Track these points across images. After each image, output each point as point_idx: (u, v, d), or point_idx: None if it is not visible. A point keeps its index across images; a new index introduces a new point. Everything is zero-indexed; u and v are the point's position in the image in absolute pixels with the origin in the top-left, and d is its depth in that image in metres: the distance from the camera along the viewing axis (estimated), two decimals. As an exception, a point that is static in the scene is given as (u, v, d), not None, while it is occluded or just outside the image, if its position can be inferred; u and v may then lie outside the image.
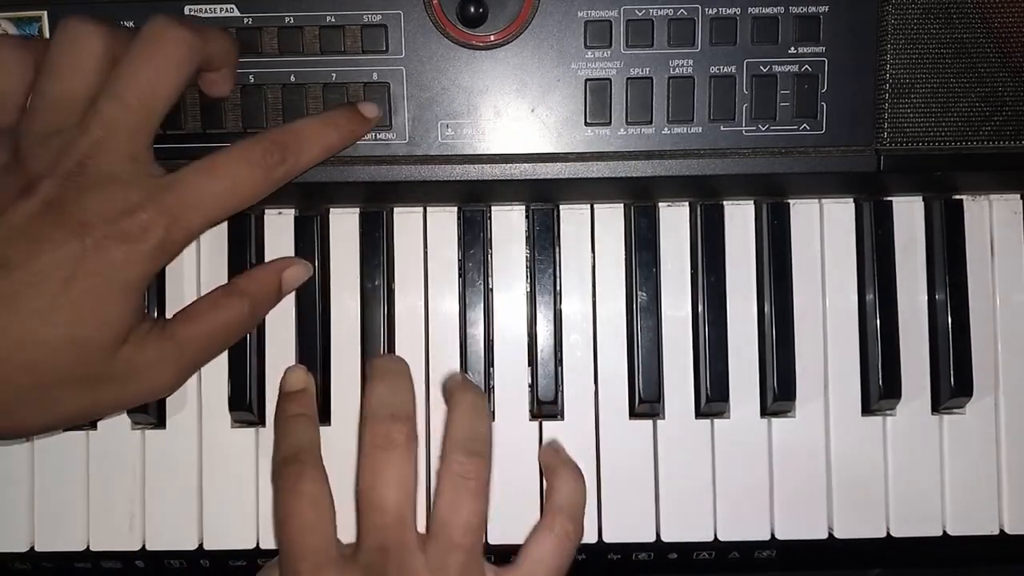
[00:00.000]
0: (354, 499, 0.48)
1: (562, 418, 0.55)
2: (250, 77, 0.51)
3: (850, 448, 0.55)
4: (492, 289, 0.56)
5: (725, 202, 0.56)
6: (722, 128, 0.51)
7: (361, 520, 0.47)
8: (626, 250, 0.56)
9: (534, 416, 0.55)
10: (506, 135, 0.52)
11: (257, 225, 0.56)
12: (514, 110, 0.52)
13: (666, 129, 0.51)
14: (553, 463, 0.52)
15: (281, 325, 0.55)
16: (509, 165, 0.52)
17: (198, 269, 0.56)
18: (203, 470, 0.55)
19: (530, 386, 0.55)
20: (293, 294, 0.55)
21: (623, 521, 0.55)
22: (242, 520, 0.55)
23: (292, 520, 0.46)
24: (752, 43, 0.51)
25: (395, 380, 0.50)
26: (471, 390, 0.51)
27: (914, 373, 0.55)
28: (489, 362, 0.55)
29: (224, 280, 0.55)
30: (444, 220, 0.56)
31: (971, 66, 0.50)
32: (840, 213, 0.56)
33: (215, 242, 0.56)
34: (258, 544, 0.55)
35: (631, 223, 0.55)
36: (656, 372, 0.54)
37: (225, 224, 0.55)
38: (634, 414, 0.55)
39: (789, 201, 0.56)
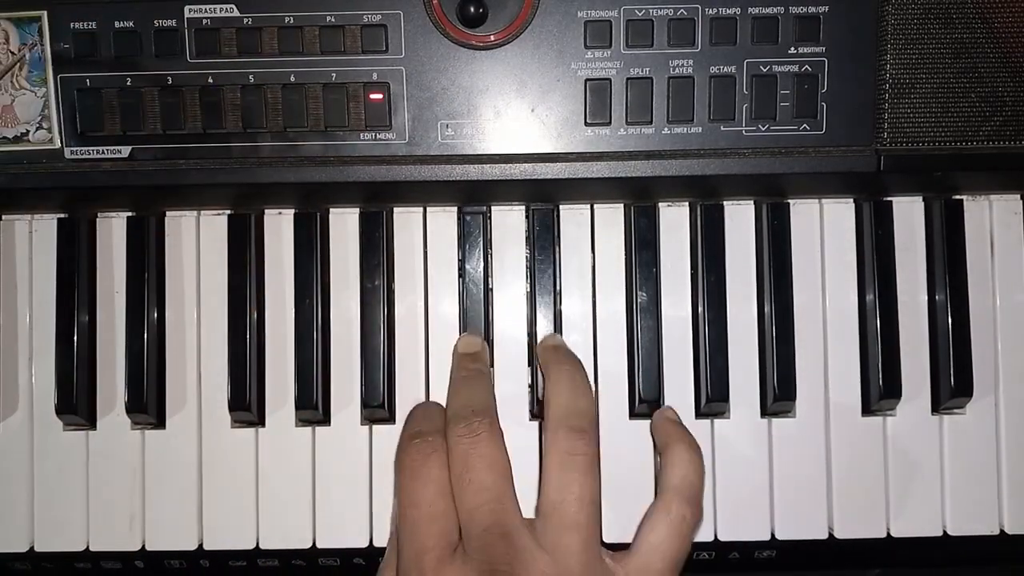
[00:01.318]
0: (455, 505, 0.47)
1: (562, 418, 0.55)
2: (250, 77, 0.51)
3: (851, 448, 0.55)
4: (492, 289, 0.56)
5: (725, 202, 0.56)
6: (722, 128, 0.51)
7: (461, 509, 0.46)
8: (626, 250, 0.56)
9: (534, 416, 0.55)
10: (506, 135, 0.52)
11: (257, 225, 0.56)
12: (514, 110, 0.51)
13: (666, 129, 0.51)
14: (667, 435, 0.50)
15: (281, 325, 0.55)
16: (509, 165, 0.52)
17: (198, 269, 0.56)
18: (203, 470, 0.55)
19: (530, 386, 0.55)
20: (292, 294, 0.55)
21: (623, 521, 0.54)
22: (242, 520, 0.55)
23: (419, 510, 0.45)
24: (752, 43, 0.51)
25: (472, 381, 0.51)
26: (567, 360, 0.51)
27: (914, 373, 0.55)
28: (489, 362, 0.55)
29: (224, 279, 0.55)
30: (444, 220, 0.56)
31: (971, 66, 0.50)
32: (840, 213, 0.56)
33: (215, 242, 0.56)
34: (258, 544, 0.55)
35: (631, 223, 0.55)
36: (656, 372, 0.54)
37: (225, 224, 0.56)
38: (634, 414, 0.55)
39: (789, 201, 0.56)
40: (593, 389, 0.55)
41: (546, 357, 0.52)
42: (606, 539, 0.54)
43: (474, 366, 0.52)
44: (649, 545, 0.47)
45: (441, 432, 0.48)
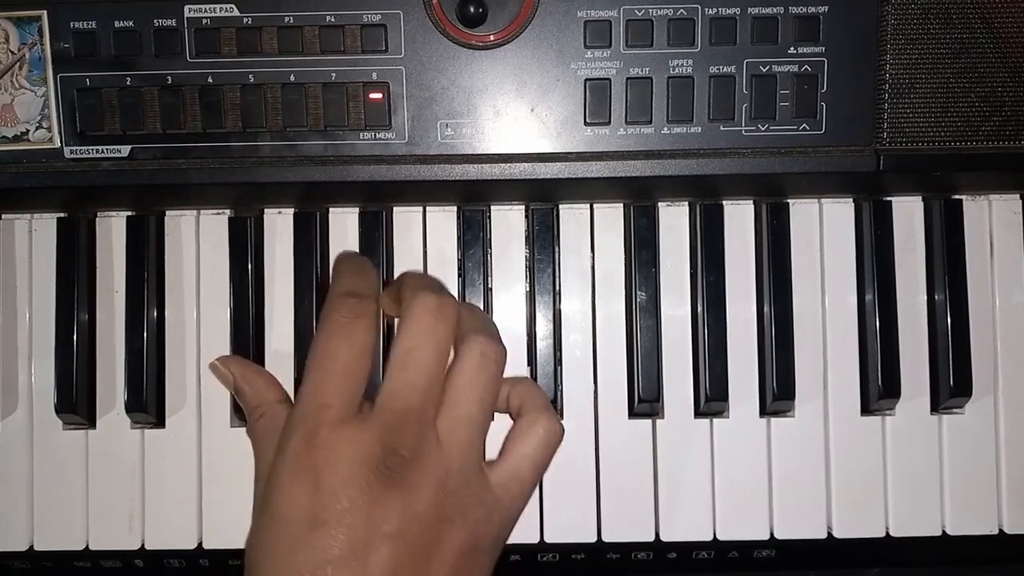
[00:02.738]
0: (385, 360, 0.47)
1: (561, 417, 0.55)
2: (250, 77, 0.51)
3: (850, 448, 0.55)
4: (492, 289, 0.56)
5: (725, 202, 0.56)
6: (722, 128, 0.51)
7: (393, 376, 0.46)
8: (626, 250, 0.56)
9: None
10: (506, 135, 0.52)
11: (256, 225, 0.56)
12: (514, 110, 0.51)
13: (666, 129, 0.51)
14: (513, 382, 0.51)
15: (280, 325, 0.55)
16: (509, 165, 0.52)
17: (198, 268, 0.56)
18: (203, 470, 0.55)
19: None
20: (291, 294, 0.55)
21: (622, 521, 0.55)
22: (241, 519, 0.55)
23: (331, 362, 0.45)
24: (752, 43, 0.51)
25: (420, 277, 0.52)
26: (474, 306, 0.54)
27: (914, 373, 0.55)
28: None
29: (223, 279, 0.55)
30: (444, 220, 0.56)
31: (971, 66, 0.50)
32: (840, 213, 0.56)
33: (215, 241, 0.56)
34: (258, 543, 0.55)
35: (631, 223, 0.55)
36: (655, 372, 0.54)
37: (225, 223, 0.56)
38: (633, 414, 0.55)
39: (789, 201, 0.56)
40: (592, 391, 0.55)
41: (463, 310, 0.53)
42: (608, 539, 0.54)
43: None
44: (520, 453, 0.47)
45: (373, 296, 0.48)
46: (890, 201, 0.56)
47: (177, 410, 0.55)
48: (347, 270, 0.50)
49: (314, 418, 0.44)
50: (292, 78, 0.51)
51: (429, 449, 0.44)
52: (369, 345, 0.46)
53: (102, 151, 0.52)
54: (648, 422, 0.55)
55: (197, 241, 0.56)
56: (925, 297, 0.56)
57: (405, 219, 0.56)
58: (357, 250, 0.55)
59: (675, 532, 0.55)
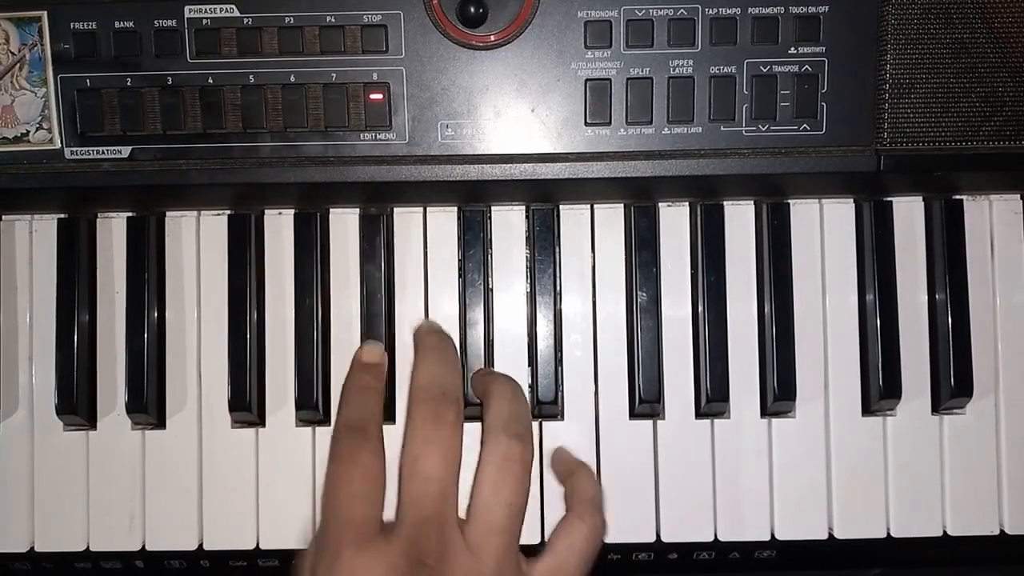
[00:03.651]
0: (398, 472, 0.47)
1: (562, 418, 0.55)
2: (250, 77, 0.51)
3: (850, 448, 0.55)
4: (492, 289, 0.56)
5: (725, 202, 0.56)
6: (722, 128, 0.51)
7: (404, 491, 0.46)
8: (626, 250, 0.56)
9: (534, 416, 0.55)
10: (506, 135, 0.52)
11: (257, 225, 0.56)
12: (514, 110, 0.51)
13: (666, 129, 0.51)
14: (568, 465, 0.53)
15: (280, 325, 0.55)
16: (509, 165, 0.52)
17: (198, 269, 0.56)
18: (203, 470, 0.55)
19: (530, 386, 0.55)
20: (292, 294, 0.55)
21: (623, 521, 0.54)
22: (242, 520, 0.55)
23: (345, 488, 0.45)
24: (752, 43, 0.51)
25: (445, 358, 0.50)
26: (511, 380, 0.52)
27: (914, 373, 0.55)
28: (489, 362, 0.55)
29: (224, 279, 0.55)
30: (444, 220, 0.56)
31: (971, 66, 0.50)
32: (840, 213, 0.56)
33: (215, 242, 0.56)
34: (258, 544, 0.55)
35: (631, 223, 0.55)
36: (656, 372, 0.54)
37: (225, 224, 0.56)
38: (634, 414, 0.55)
39: (789, 201, 0.56)
40: (593, 391, 0.55)
41: (484, 379, 0.53)
42: (609, 539, 0.54)
43: (444, 342, 0.51)
44: (566, 547, 0.48)
45: (376, 420, 0.48)
46: (891, 201, 0.56)
47: (178, 411, 0.55)
48: (348, 397, 0.50)
49: (336, 542, 0.44)
50: (292, 78, 0.51)
51: (456, 554, 0.44)
52: (377, 466, 0.46)
53: (102, 152, 0.52)
54: (649, 423, 0.55)
55: (197, 242, 0.56)
56: (926, 297, 0.56)
57: (405, 220, 0.56)
58: (357, 250, 0.55)
59: (676, 533, 0.55)
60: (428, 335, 0.52)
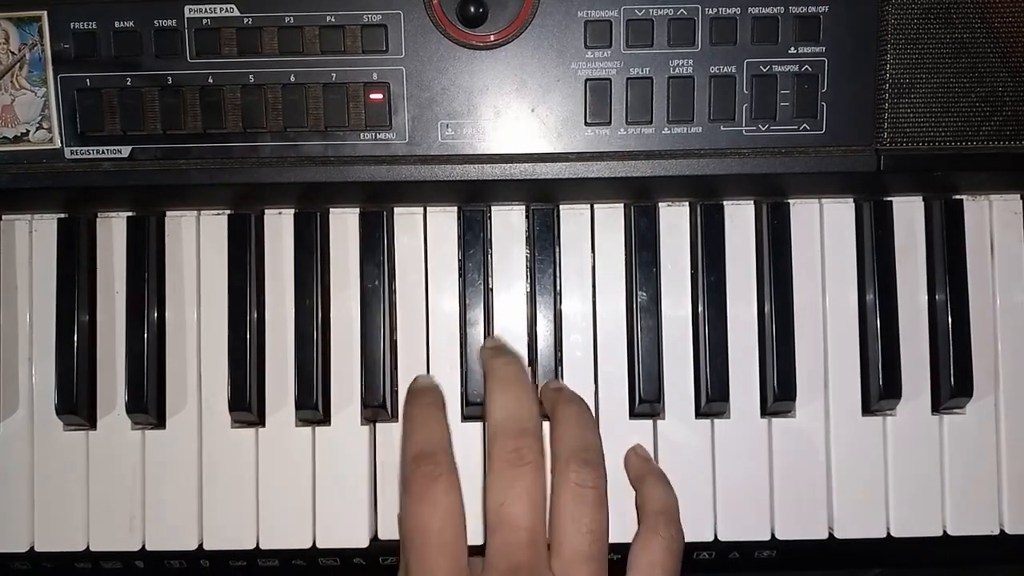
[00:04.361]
0: (482, 516, 0.46)
1: (562, 418, 0.55)
2: (250, 77, 0.51)
3: (850, 448, 0.55)
4: (492, 289, 0.56)
5: (725, 202, 0.56)
6: (722, 128, 0.51)
7: (492, 538, 0.44)
8: (626, 250, 0.56)
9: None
10: (506, 135, 0.52)
11: (257, 225, 0.56)
12: (514, 110, 0.52)
13: (666, 129, 0.51)
14: (642, 471, 0.52)
15: (280, 325, 0.55)
16: (509, 165, 0.52)
17: (198, 269, 0.56)
18: (203, 470, 0.55)
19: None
20: (291, 294, 0.55)
21: (622, 521, 0.54)
22: (242, 520, 0.55)
23: (427, 536, 0.44)
24: (752, 43, 0.51)
25: (521, 390, 0.48)
26: (574, 398, 0.50)
27: (914, 373, 0.55)
28: None
29: (224, 279, 0.55)
30: (444, 220, 0.56)
31: (971, 66, 0.50)
32: (840, 213, 0.56)
33: (215, 242, 0.56)
34: (258, 544, 0.55)
35: (631, 223, 0.55)
36: (656, 372, 0.54)
37: (225, 224, 0.56)
38: (634, 414, 0.55)
39: (789, 201, 0.56)
40: (593, 391, 0.55)
41: (551, 397, 0.51)
42: (609, 540, 0.54)
43: (513, 370, 0.49)
44: (648, 564, 0.47)
45: (446, 447, 0.46)
46: (891, 201, 0.56)
47: (178, 411, 0.55)
48: (413, 424, 0.48)
49: None
50: (292, 78, 0.51)
51: None
52: (455, 504, 0.44)
53: (102, 152, 0.52)
54: (649, 422, 0.55)
55: (197, 242, 0.56)
56: (926, 297, 0.56)
57: (406, 220, 0.56)
58: (357, 250, 0.55)
59: (676, 532, 0.55)
60: (496, 360, 0.50)
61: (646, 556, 0.47)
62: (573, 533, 0.45)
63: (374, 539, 0.55)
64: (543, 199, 0.55)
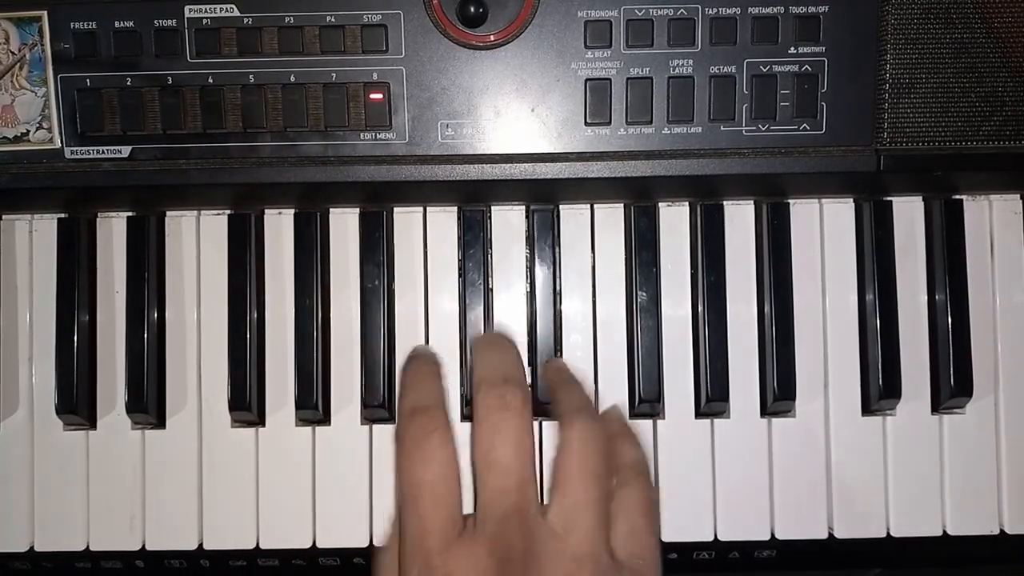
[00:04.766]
0: (471, 466, 0.45)
1: (562, 418, 0.55)
2: (250, 77, 0.51)
3: (850, 448, 0.55)
4: (492, 289, 0.56)
5: (725, 202, 0.56)
6: (722, 128, 0.51)
7: (481, 486, 0.44)
8: (626, 250, 0.56)
9: (534, 416, 0.55)
10: (506, 135, 0.52)
11: (257, 225, 0.56)
12: (514, 110, 0.52)
13: (666, 129, 0.51)
14: (613, 428, 0.50)
15: (280, 325, 0.55)
16: (509, 165, 0.52)
17: (198, 269, 0.56)
18: (203, 470, 0.55)
19: (530, 386, 0.55)
20: (291, 294, 0.55)
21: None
22: (242, 520, 0.55)
23: (420, 490, 0.43)
24: (752, 43, 0.51)
25: (504, 348, 0.48)
26: (487, 334, 0.51)
27: (914, 373, 0.55)
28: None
29: (224, 279, 0.55)
30: (444, 220, 0.56)
31: (971, 66, 0.50)
32: (840, 213, 0.56)
33: (215, 242, 0.56)
34: (258, 544, 0.55)
35: (631, 223, 0.55)
36: (656, 372, 0.54)
37: (225, 224, 0.56)
38: (634, 414, 0.55)
39: (789, 201, 0.56)
40: (594, 389, 0.55)
41: (552, 376, 0.51)
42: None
43: (501, 338, 0.50)
44: (628, 529, 0.46)
45: (441, 404, 0.46)
46: (890, 201, 0.56)
47: (178, 411, 0.55)
48: (411, 381, 0.48)
49: (422, 552, 0.43)
50: (292, 78, 0.51)
51: (545, 544, 0.43)
52: (448, 457, 0.44)
53: (102, 152, 0.52)
54: (649, 422, 0.55)
55: (197, 242, 0.56)
56: (926, 297, 0.56)
57: (405, 219, 0.56)
58: (357, 250, 0.55)
59: (676, 532, 0.55)
60: (486, 334, 0.52)
61: (625, 523, 0.46)
62: (579, 478, 0.44)
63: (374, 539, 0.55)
64: (543, 199, 0.55)
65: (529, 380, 0.55)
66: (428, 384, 0.47)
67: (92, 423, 0.55)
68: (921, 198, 0.56)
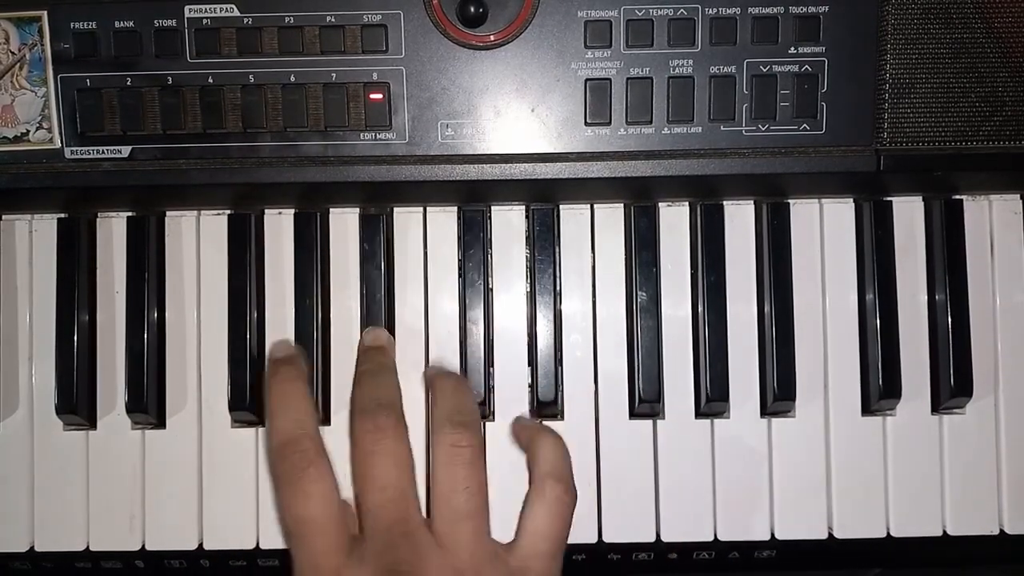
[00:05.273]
0: (353, 491, 0.47)
1: (562, 418, 0.55)
2: (250, 77, 0.51)
3: (850, 448, 0.55)
4: (492, 289, 0.56)
5: (725, 202, 0.56)
6: (722, 128, 0.51)
7: (362, 505, 0.46)
8: (626, 250, 0.56)
9: (534, 415, 0.55)
10: (506, 135, 0.52)
11: (257, 225, 0.56)
12: (514, 110, 0.52)
13: (666, 129, 0.51)
14: (528, 433, 0.52)
15: (280, 325, 0.55)
16: (509, 165, 0.52)
17: (198, 269, 0.56)
18: (203, 470, 0.55)
19: (530, 386, 0.55)
20: (292, 294, 0.55)
21: (623, 521, 0.55)
22: (242, 520, 0.55)
23: (304, 527, 0.45)
24: (752, 43, 0.51)
25: (378, 375, 0.50)
26: (450, 374, 0.52)
27: (914, 373, 0.55)
28: (489, 362, 0.55)
29: (224, 279, 0.55)
30: (444, 220, 0.56)
31: (971, 66, 0.50)
32: (840, 213, 0.56)
33: (215, 242, 0.56)
34: (258, 544, 0.55)
35: (631, 223, 0.55)
36: (656, 372, 0.54)
37: (225, 224, 0.56)
38: (634, 414, 0.55)
39: (789, 201, 0.56)
40: (593, 390, 0.55)
41: (429, 375, 0.53)
42: (609, 539, 0.54)
43: (380, 358, 0.52)
44: (533, 530, 0.48)
45: (310, 434, 0.47)
46: (890, 201, 0.56)
47: (178, 411, 0.55)
48: (275, 404, 0.49)
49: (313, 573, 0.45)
50: (292, 78, 0.51)
51: (428, 554, 0.45)
52: (327, 490, 0.46)
53: (102, 151, 0.52)
54: (649, 423, 0.55)
55: (197, 242, 0.56)
56: (926, 297, 0.56)
57: (405, 219, 0.56)
58: (357, 250, 0.55)
59: (676, 532, 0.55)
60: (363, 356, 0.53)
61: (529, 524, 0.48)
62: (450, 492, 0.46)
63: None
64: (543, 199, 0.55)
65: (530, 380, 0.55)
66: (293, 406, 0.49)
67: (92, 423, 0.55)
68: (921, 198, 0.56)
